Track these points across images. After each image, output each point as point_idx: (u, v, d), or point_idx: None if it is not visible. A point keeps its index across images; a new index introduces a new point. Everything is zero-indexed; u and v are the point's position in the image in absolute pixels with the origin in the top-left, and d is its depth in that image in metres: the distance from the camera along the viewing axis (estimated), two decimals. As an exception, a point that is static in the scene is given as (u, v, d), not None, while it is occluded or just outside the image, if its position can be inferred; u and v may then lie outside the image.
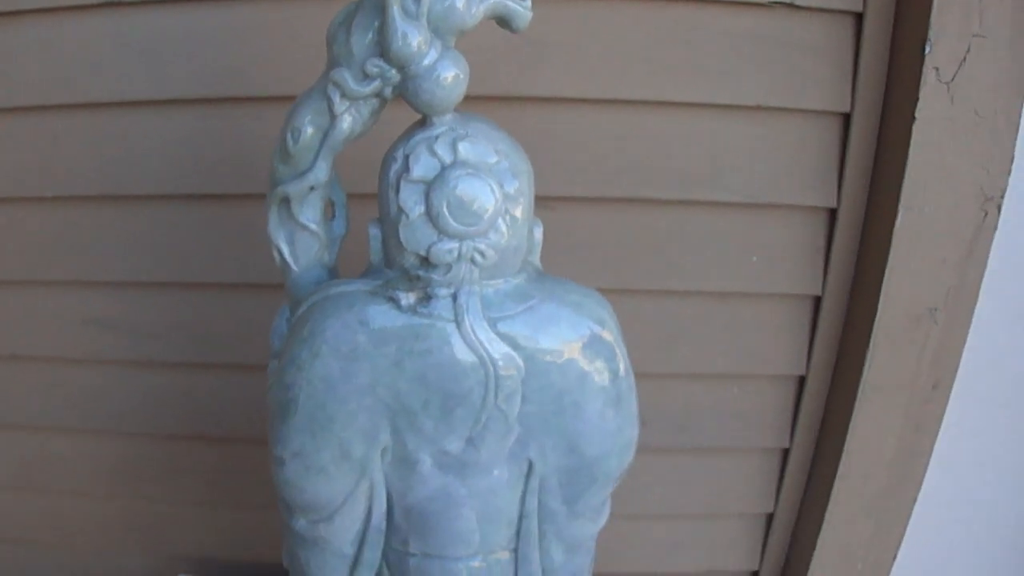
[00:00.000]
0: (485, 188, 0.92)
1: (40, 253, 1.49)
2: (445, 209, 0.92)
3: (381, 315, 0.96)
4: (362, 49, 0.92)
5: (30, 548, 1.72)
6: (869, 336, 1.39)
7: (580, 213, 1.43)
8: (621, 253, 1.45)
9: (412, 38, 0.89)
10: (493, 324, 0.96)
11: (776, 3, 1.32)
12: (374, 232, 0.99)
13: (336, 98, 0.94)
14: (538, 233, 1.02)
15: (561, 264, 1.41)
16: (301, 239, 1.02)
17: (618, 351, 1.01)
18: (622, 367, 1.01)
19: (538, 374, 0.98)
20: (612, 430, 1.02)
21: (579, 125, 1.39)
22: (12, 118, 1.41)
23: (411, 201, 0.93)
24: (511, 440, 1.01)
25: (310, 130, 0.96)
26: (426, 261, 0.94)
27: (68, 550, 1.71)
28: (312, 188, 0.99)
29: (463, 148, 0.93)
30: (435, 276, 0.95)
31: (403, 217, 0.94)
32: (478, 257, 0.94)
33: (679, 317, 1.50)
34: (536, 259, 1.03)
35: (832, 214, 1.43)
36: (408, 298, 0.96)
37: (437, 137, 0.93)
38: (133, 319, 1.53)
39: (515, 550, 1.08)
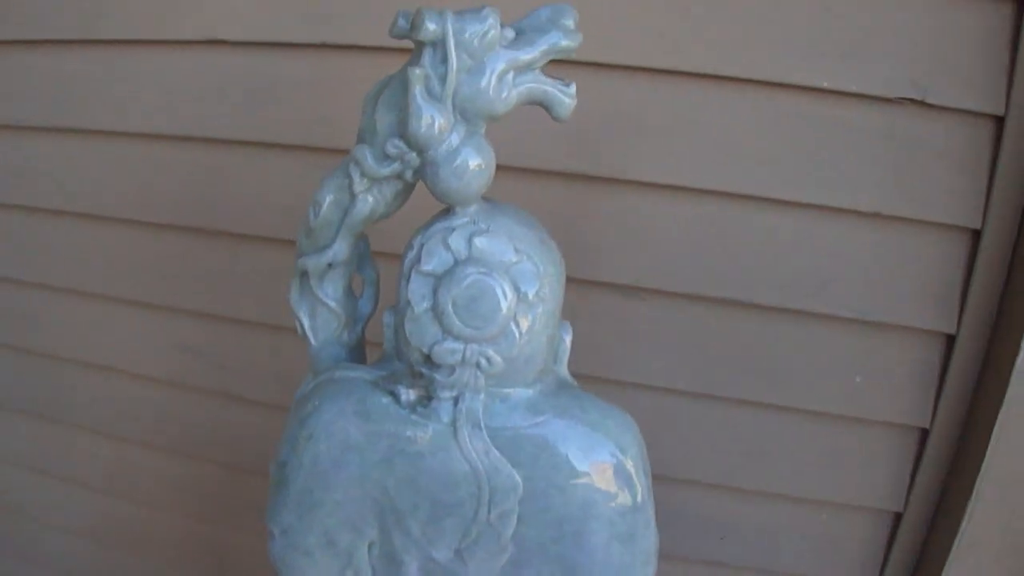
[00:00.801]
0: (497, 290, 0.85)
1: (138, 274, 1.54)
2: (451, 308, 0.86)
3: (378, 408, 0.91)
4: (385, 127, 0.87)
5: (106, 548, 1.78)
6: (974, 482, 1.20)
7: (672, 308, 1.33)
8: (711, 356, 1.33)
9: (432, 120, 0.83)
10: (494, 436, 0.88)
11: (904, 99, 1.17)
12: (388, 320, 0.94)
13: (356, 176, 0.89)
14: (567, 340, 0.94)
15: (644, 360, 1.32)
16: (321, 314, 0.99)
17: (637, 481, 0.91)
18: (638, 498, 0.91)
19: (538, 496, 0.89)
20: (618, 566, 0.92)
21: (678, 214, 1.28)
22: (121, 142, 1.46)
23: (419, 294, 0.88)
24: (502, 560, 0.92)
25: (331, 207, 0.92)
26: (429, 359, 0.88)
27: (138, 556, 1.76)
28: (330, 265, 0.95)
29: (479, 244, 0.86)
30: (438, 376, 0.89)
31: (409, 310, 0.88)
32: (484, 363, 0.87)
33: (769, 432, 1.36)
34: (563, 368, 0.95)
35: (950, 341, 1.25)
36: (409, 395, 0.90)
37: (455, 229, 0.87)
38: (220, 351, 1.56)
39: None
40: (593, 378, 1.37)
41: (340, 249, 0.94)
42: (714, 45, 1.20)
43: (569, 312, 1.33)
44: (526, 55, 0.83)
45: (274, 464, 0.98)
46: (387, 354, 0.95)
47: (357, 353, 1.02)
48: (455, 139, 0.84)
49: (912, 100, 1.17)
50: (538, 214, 1.30)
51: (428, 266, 0.87)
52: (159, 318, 1.56)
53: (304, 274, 0.97)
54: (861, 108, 1.19)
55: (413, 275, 0.88)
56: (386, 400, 0.91)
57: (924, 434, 1.29)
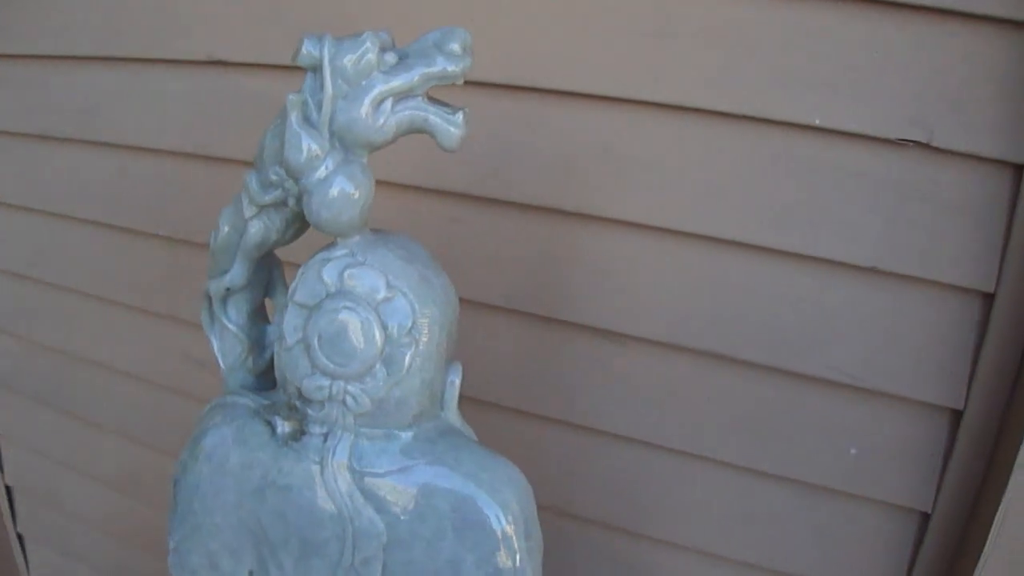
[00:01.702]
0: (359, 326, 0.81)
1: (149, 284, 1.59)
2: (316, 342, 0.83)
3: (254, 437, 0.89)
4: (270, 154, 0.84)
5: (131, 550, 1.85)
6: (975, 571, 1.05)
7: (655, 358, 1.24)
8: (695, 413, 1.23)
9: (306, 147, 0.80)
10: (359, 478, 0.84)
11: (906, 140, 1.04)
12: (275, 349, 0.92)
13: (244, 202, 0.88)
14: (455, 382, 0.88)
15: (625, 411, 1.25)
16: (226, 338, 0.97)
17: (514, 543, 0.84)
18: (514, 562, 0.84)
19: (402, 546, 0.84)
20: (489, 634, 0.85)
21: (661, 258, 1.19)
22: (131, 155, 1.52)
23: (291, 326, 0.85)
24: (369, 610, 0.88)
25: (227, 230, 0.91)
26: (301, 393, 0.85)
27: (158, 559, 1.81)
28: (229, 290, 0.93)
29: (350, 277, 0.82)
30: (309, 411, 0.86)
31: (283, 341, 0.85)
32: (350, 401, 0.83)
33: (756, 500, 1.24)
34: (451, 413, 0.89)
35: (956, 417, 1.09)
36: (284, 427, 0.87)
37: (330, 260, 0.84)
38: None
39: None
40: (569, 424, 1.30)
41: (237, 274, 0.92)
42: (700, 76, 1.11)
43: (549, 353, 1.28)
44: (401, 81, 0.79)
45: (171, 484, 0.98)
46: (279, 383, 0.93)
47: (266, 379, 1.00)
48: (328, 167, 0.80)
49: (916, 142, 1.03)
50: (516, 249, 1.26)
51: (301, 297, 0.84)
52: (170, 329, 1.61)
53: (209, 298, 0.96)
54: (858, 149, 1.07)
55: (289, 306, 0.85)
56: (263, 430, 0.89)
57: (925, 518, 1.14)
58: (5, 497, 2.03)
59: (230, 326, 0.96)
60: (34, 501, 2.02)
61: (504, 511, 0.83)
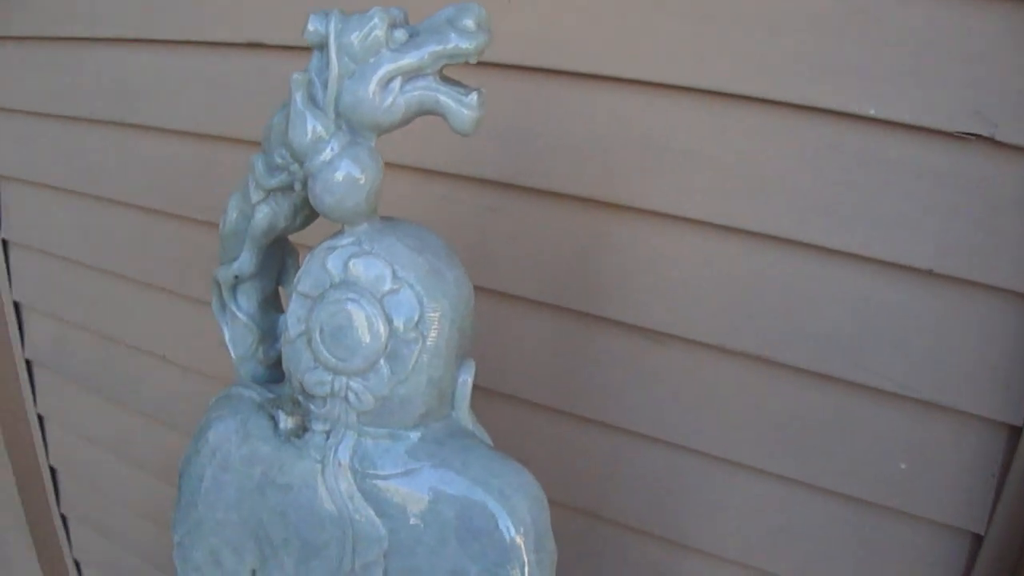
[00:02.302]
0: (364, 319, 0.77)
1: (187, 268, 1.58)
2: (318, 335, 0.79)
3: (257, 432, 0.85)
4: (277, 136, 0.81)
5: (165, 531, 1.84)
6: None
7: (693, 358, 1.17)
8: (735, 417, 1.16)
9: (310, 129, 0.76)
10: (361, 479, 0.80)
11: (968, 134, 0.95)
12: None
13: (252, 186, 0.84)
14: (467, 381, 0.83)
15: (661, 412, 1.19)
16: (236, 327, 0.94)
17: (524, 556, 0.78)
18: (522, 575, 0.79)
19: (404, 553, 0.80)
20: (494, 648, 0.80)
21: (701, 252, 1.13)
22: (173, 139, 1.50)
23: (295, 317, 0.81)
24: (371, 617, 0.83)
25: (235, 215, 0.88)
26: (304, 388, 0.81)
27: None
28: (237, 278, 0.90)
29: (354, 267, 0.78)
30: (312, 407, 0.82)
31: (286, 333, 0.82)
32: (352, 398, 0.79)
33: (796, 512, 1.16)
34: (462, 413, 0.84)
35: (1015, 433, 1.01)
36: (287, 422, 0.84)
37: (336, 249, 0.79)
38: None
39: None
40: (604, 424, 1.24)
41: (245, 261, 0.88)
42: (746, 62, 1.04)
43: (584, 350, 1.23)
44: (411, 59, 0.74)
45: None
46: (286, 377, 0.89)
47: (277, 370, 0.96)
48: (333, 150, 0.76)
49: (978, 136, 0.95)
50: (553, 240, 1.21)
51: (305, 287, 0.80)
52: (207, 314, 1.59)
53: (218, 285, 0.93)
54: (916, 143, 0.99)
55: (294, 296, 0.81)
56: (266, 425, 0.85)
57: (978, 540, 1.05)
58: (50, 478, 2.05)
59: (240, 315, 0.92)
60: (77, 483, 2.04)
61: (513, 519, 0.77)
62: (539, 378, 1.26)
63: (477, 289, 1.25)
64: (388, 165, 1.27)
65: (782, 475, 1.15)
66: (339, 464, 0.80)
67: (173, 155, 1.53)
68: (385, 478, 0.79)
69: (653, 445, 1.22)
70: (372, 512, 0.79)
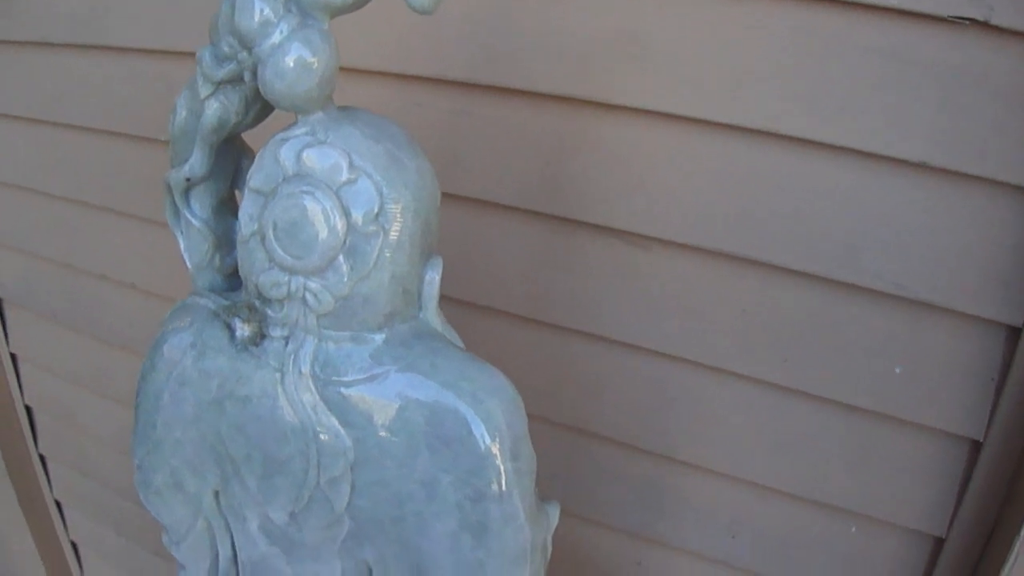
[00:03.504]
0: (319, 212, 0.71)
1: (156, 194, 1.50)
2: (272, 232, 0.73)
3: (213, 342, 0.80)
4: (224, 23, 0.74)
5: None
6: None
7: (678, 263, 1.12)
8: (724, 324, 1.11)
9: (255, 9, 0.69)
10: (324, 387, 0.75)
11: (962, 18, 0.89)
12: None
13: (200, 81, 0.78)
14: (434, 278, 0.77)
15: (647, 321, 1.15)
16: (191, 235, 0.88)
17: (499, 464, 0.74)
18: (498, 485, 0.74)
19: (371, 464, 0.75)
20: (470, 564, 0.76)
21: (690, 152, 1.06)
22: (134, 58, 1.43)
23: (247, 215, 0.75)
24: (341, 532, 0.79)
25: (184, 113, 0.81)
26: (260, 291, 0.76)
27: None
28: (189, 180, 0.83)
29: (308, 158, 0.72)
30: (269, 311, 0.76)
31: (240, 233, 0.76)
32: (310, 299, 0.73)
33: (789, 421, 1.12)
34: (430, 314, 0.79)
35: (1014, 334, 0.96)
36: (243, 330, 0.78)
37: (288, 140, 0.73)
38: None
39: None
40: (587, 335, 1.19)
41: (197, 161, 0.82)
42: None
43: (565, 257, 1.17)
44: (362, -75, 0.67)
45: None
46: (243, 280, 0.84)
47: (236, 280, 0.90)
48: (282, 32, 0.69)
49: (972, 20, 0.88)
50: (529, 143, 1.14)
51: (257, 182, 0.74)
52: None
53: (170, 190, 0.86)
54: (906, 29, 0.92)
55: (246, 192, 0.75)
56: (222, 334, 0.80)
57: (976, 446, 1.01)
58: (26, 418, 2.00)
59: (194, 221, 0.86)
60: (54, 421, 1.99)
61: (487, 425, 0.73)
62: (517, 288, 1.20)
63: (449, 197, 1.20)
64: (354, 71, 1.21)
65: (773, 382, 1.10)
66: (299, 372, 0.75)
67: (135, 75, 1.45)
68: (348, 385, 0.74)
69: (638, 355, 1.17)
70: (336, 422, 0.74)
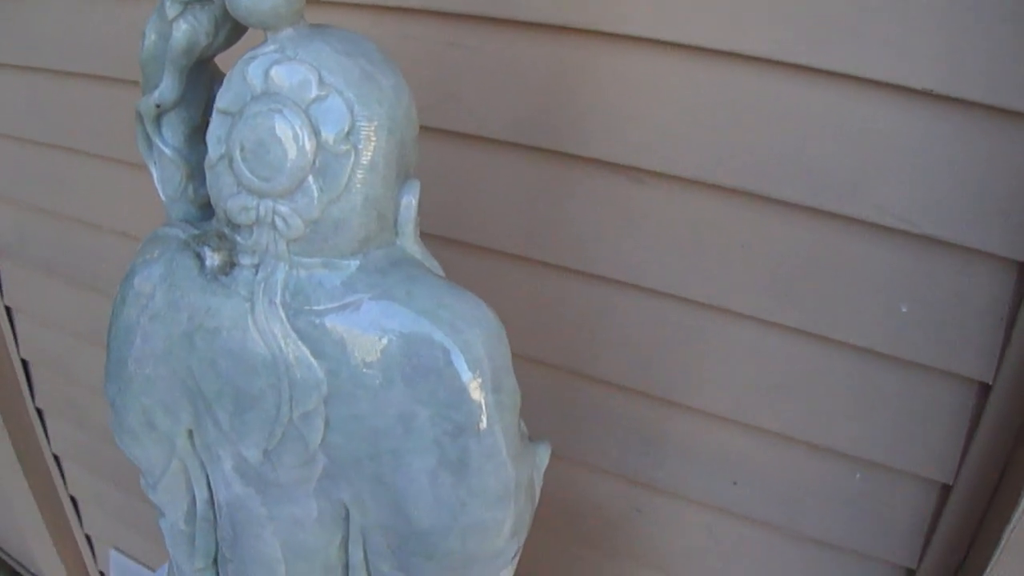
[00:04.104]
0: (287, 131, 0.67)
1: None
2: (239, 154, 0.69)
3: (182, 273, 0.76)
4: None
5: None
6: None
7: (678, 197, 1.07)
8: (725, 261, 1.06)
9: None
10: (295, 316, 0.71)
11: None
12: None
13: (167, 1, 0.74)
14: (411, 202, 0.73)
15: (644, 259, 1.11)
16: (163, 165, 0.84)
17: (480, 397, 0.70)
18: (479, 419, 0.71)
19: (346, 398, 0.72)
20: (450, 502, 0.73)
21: (687, 82, 1.01)
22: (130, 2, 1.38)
23: (215, 137, 0.72)
24: (315, 471, 0.76)
25: (153, 37, 0.77)
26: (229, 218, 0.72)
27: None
28: (159, 106, 0.79)
29: (276, 75, 0.68)
30: (239, 238, 0.73)
31: (208, 157, 0.72)
32: (280, 223, 0.69)
33: (792, 363, 1.08)
34: (408, 240, 0.75)
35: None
36: (213, 259, 0.74)
37: (256, 58, 0.69)
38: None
39: (346, 603, 0.84)
40: (583, 274, 1.15)
41: (167, 87, 0.78)
42: None
43: (560, 193, 1.13)
44: None
45: (108, 330, 0.87)
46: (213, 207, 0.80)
47: (210, 211, 0.87)
48: (245, -61, 0.65)
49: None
50: (521, 75, 1.09)
51: (224, 102, 0.70)
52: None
53: (141, 118, 0.83)
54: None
55: (214, 114, 0.71)
56: (192, 264, 0.76)
57: (985, 389, 0.97)
58: (23, 371, 1.99)
59: (166, 150, 0.82)
60: (51, 375, 1.97)
61: (467, 355, 0.69)
62: (511, 226, 1.16)
63: (442, 133, 1.16)
64: (341, 4, 1.17)
65: (774, 322, 1.06)
66: (269, 300, 0.71)
67: (122, 17, 1.41)
68: (320, 314, 0.70)
69: (637, 294, 1.13)
70: (308, 353, 0.71)
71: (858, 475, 1.10)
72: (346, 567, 0.81)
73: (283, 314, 0.71)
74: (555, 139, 1.09)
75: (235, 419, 0.76)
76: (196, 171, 0.84)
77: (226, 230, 0.74)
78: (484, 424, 0.70)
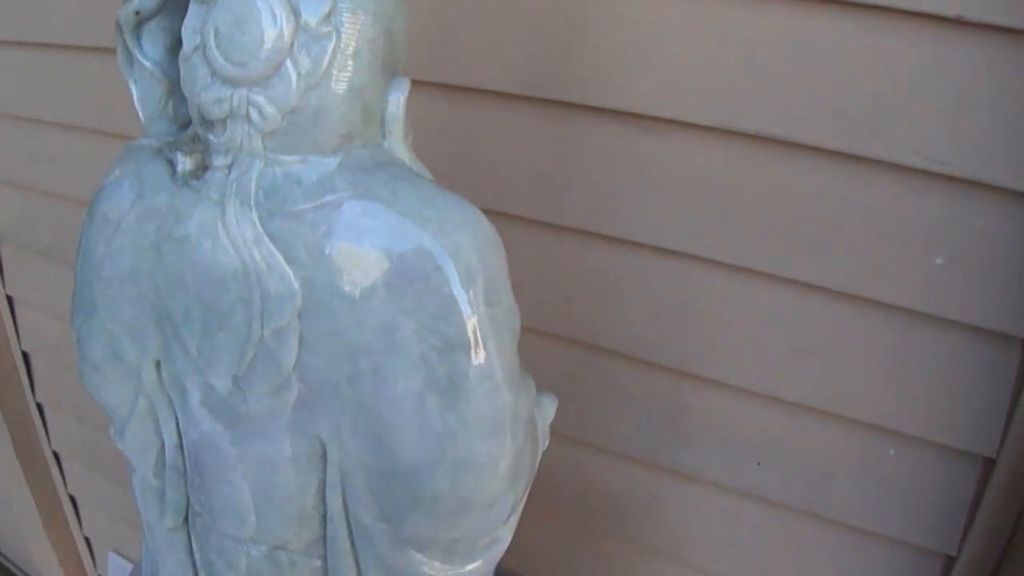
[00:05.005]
0: (264, 11, 0.61)
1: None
2: (213, 40, 0.63)
3: (153, 179, 0.70)
4: None
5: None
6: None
7: (694, 147, 1.00)
8: (746, 216, 0.99)
9: None
10: (268, 219, 0.65)
11: None
12: None
13: None
14: (395, 100, 0.67)
15: (660, 216, 1.04)
16: (143, 79, 0.79)
17: (471, 308, 0.63)
18: (470, 332, 0.63)
19: (323, 310, 0.65)
20: (438, 432, 0.65)
21: (702, 21, 0.95)
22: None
23: (190, 30, 0.66)
24: (289, 399, 0.69)
25: (131, -67, 0.72)
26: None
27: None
28: (138, 14, 0.74)
29: (251, -50, 0.62)
30: (212, 137, 0.67)
31: (183, 51, 0.66)
32: (255, 115, 0.63)
33: (820, 326, 1.00)
34: (396, 143, 0.68)
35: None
36: (185, 163, 0.68)
37: (231, -64, 0.63)
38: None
39: (324, 559, 0.76)
40: (596, 235, 1.08)
41: None
42: None
43: (570, 149, 1.06)
44: None
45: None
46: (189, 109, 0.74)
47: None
48: None
49: None
50: (528, 21, 1.03)
51: (198, -13, 0.64)
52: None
53: (121, 30, 0.77)
54: None
55: (190, 6, 0.66)
56: (164, 171, 0.70)
57: (1029, 352, 0.89)
58: (23, 364, 1.93)
59: (146, 63, 0.77)
60: (51, 368, 1.91)
61: (456, 260, 0.62)
62: (518, 186, 1.09)
63: (441, 87, 1.10)
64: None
65: (799, 280, 0.99)
66: (241, 202, 0.65)
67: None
68: (296, 215, 0.64)
69: (652, 256, 1.06)
70: (281, 260, 0.64)
71: (892, 451, 1.01)
72: (324, 519, 0.74)
73: (256, 216, 0.64)
74: (562, 89, 1.03)
75: (203, 342, 0.69)
76: (177, 87, 0.78)
77: (200, 130, 0.68)
78: (476, 338, 0.63)
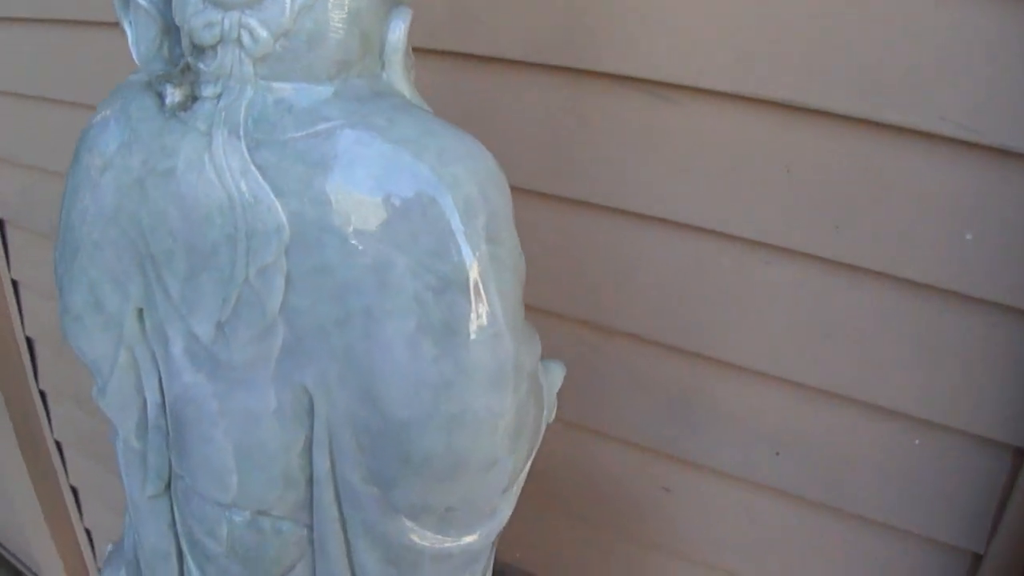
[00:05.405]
0: (256, -75, 0.58)
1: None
2: (203, -41, 0.60)
3: (140, 112, 0.67)
4: None
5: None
6: None
7: (713, 115, 0.96)
8: (766, 187, 0.94)
9: None
10: (256, 149, 0.61)
11: None
12: None
13: None
14: (395, 28, 0.63)
15: (675, 188, 0.99)
16: (139, 19, 0.75)
17: (471, 245, 0.59)
18: (470, 270, 0.59)
19: (311, 246, 0.61)
20: (432, 380, 0.61)
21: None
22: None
23: (181, -50, 0.62)
24: (274, 345, 0.65)
25: None
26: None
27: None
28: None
29: None
30: (202, 66, 0.63)
31: (176, -22, 0.63)
32: (247, 39, 0.60)
33: (842, 307, 0.95)
34: (396, 75, 0.64)
35: None
36: (174, 95, 0.65)
37: None
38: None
39: (310, 527, 0.72)
40: (610, 209, 1.04)
41: None
42: None
43: (583, 119, 1.02)
44: None
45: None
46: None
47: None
48: None
49: None
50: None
51: (189, -96, 0.61)
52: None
53: None
54: None
55: (178, -73, 0.63)
56: (151, 103, 0.66)
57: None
58: (27, 350, 1.91)
59: (142, 1, 0.74)
60: (55, 354, 1.88)
61: (454, 192, 0.58)
62: (530, 157, 1.05)
63: (453, 55, 1.06)
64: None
65: (822, 257, 0.94)
66: (229, 131, 0.61)
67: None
68: (286, 144, 0.60)
69: (667, 230, 1.01)
70: (269, 191, 0.60)
71: (917, 440, 0.96)
72: (310, 481, 0.69)
73: (244, 146, 0.61)
74: (577, 56, 0.99)
75: (186, 285, 0.66)
76: (172, 26, 0.75)
77: (190, 60, 0.64)
78: (476, 277, 0.59)
